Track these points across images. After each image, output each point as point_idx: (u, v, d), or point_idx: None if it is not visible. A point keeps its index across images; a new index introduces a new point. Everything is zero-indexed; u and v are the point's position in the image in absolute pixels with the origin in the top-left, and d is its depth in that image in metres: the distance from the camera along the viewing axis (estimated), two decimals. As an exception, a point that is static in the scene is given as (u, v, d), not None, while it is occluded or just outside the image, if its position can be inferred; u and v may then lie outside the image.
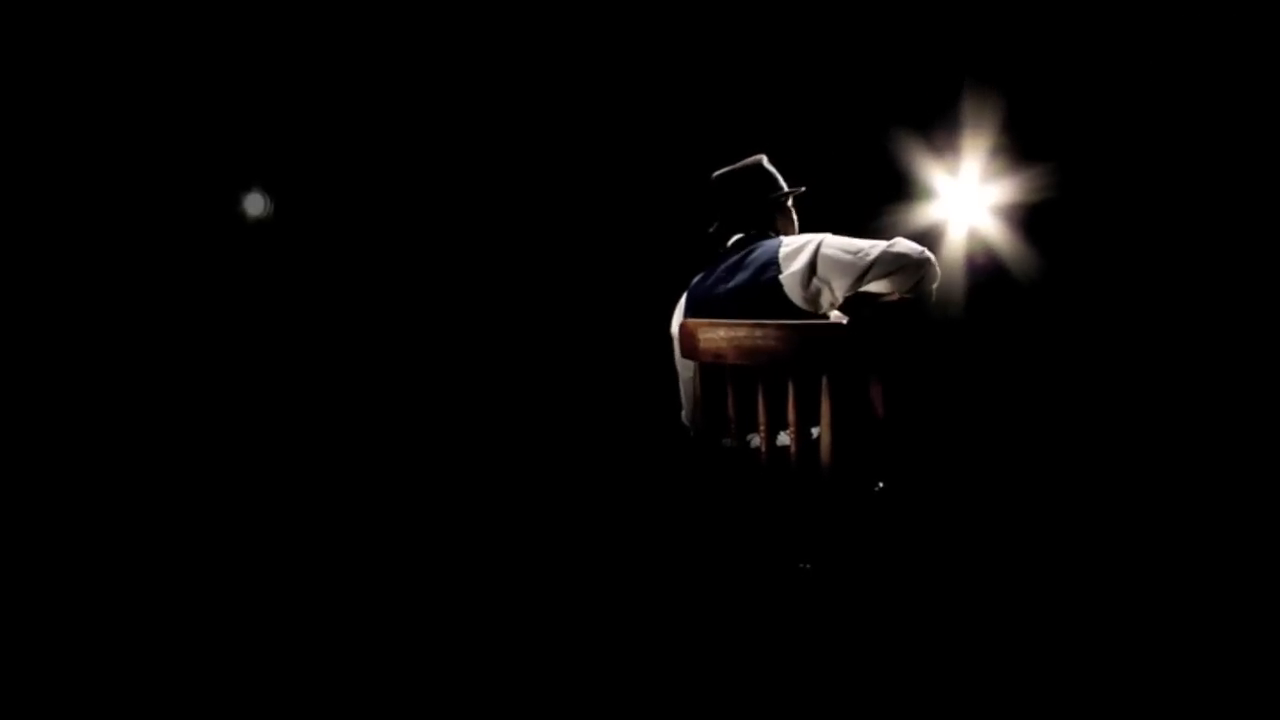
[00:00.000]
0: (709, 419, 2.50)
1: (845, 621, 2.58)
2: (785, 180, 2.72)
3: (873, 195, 3.84)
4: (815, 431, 2.40)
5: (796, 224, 2.73)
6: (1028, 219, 3.77)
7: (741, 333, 2.38)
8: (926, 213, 3.81)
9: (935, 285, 2.47)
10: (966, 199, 3.72)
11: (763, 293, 2.45)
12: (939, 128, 3.83)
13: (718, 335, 2.41)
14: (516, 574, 3.19)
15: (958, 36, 3.83)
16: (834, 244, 2.42)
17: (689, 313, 2.63)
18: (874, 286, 2.41)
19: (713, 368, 2.47)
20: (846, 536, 2.40)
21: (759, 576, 2.56)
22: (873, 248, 2.38)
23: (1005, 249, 3.77)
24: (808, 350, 2.27)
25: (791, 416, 2.34)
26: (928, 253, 2.40)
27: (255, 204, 4.23)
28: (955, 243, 3.86)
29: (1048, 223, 3.75)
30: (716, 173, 2.71)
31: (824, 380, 2.28)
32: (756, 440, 2.46)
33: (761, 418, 2.39)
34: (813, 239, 2.46)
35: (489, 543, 3.42)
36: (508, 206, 4.37)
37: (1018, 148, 3.68)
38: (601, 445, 4.20)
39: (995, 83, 3.73)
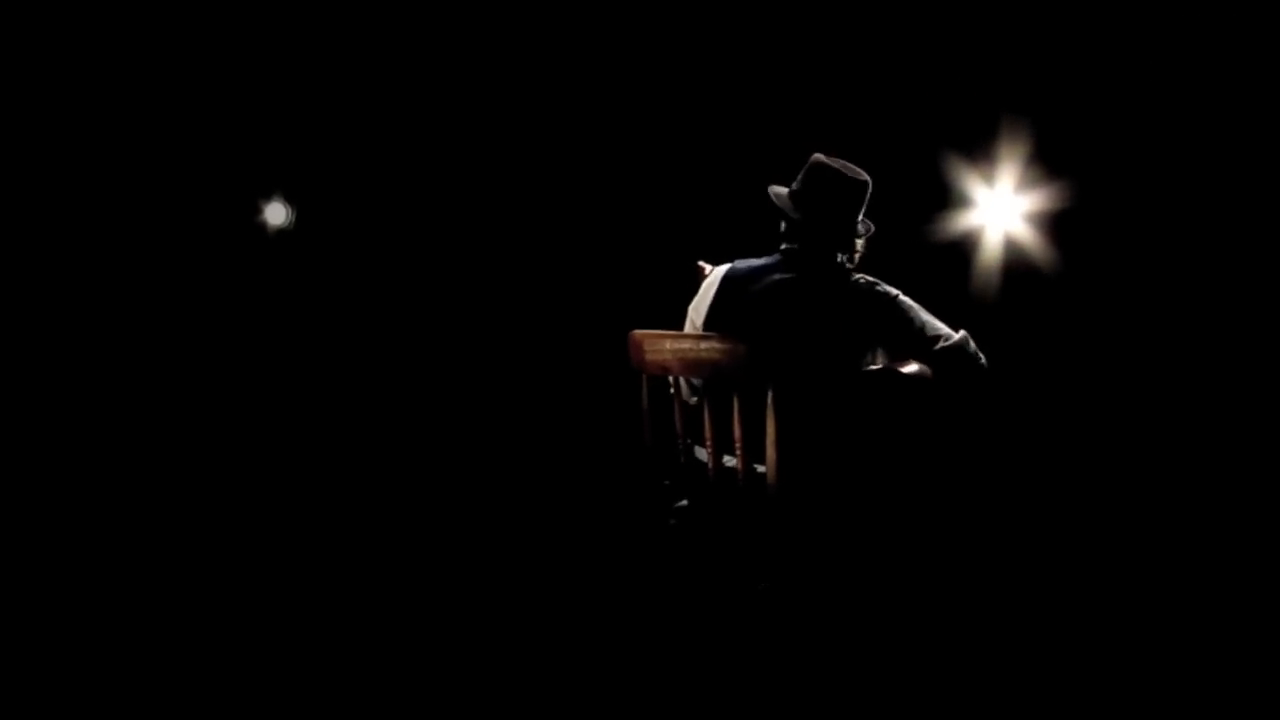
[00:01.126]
0: (655, 435, 2.38)
1: (801, 643, 2.43)
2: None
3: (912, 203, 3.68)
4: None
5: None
6: (1056, 228, 3.61)
7: (686, 345, 2.26)
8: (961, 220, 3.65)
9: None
10: (1001, 207, 3.64)
11: (790, 328, 2.29)
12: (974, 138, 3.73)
13: (664, 347, 2.30)
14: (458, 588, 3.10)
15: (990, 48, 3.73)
16: (909, 308, 2.26)
17: (720, 295, 2.44)
18: (917, 368, 2.24)
19: (662, 381, 2.36)
20: (800, 559, 2.26)
21: (712, 597, 2.43)
22: (958, 337, 2.21)
23: (1035, 256, 3.64)
24: (755, 367, 2.14)
25: (737, 434, 2.22)
26: (983, 358, 2.22)
27: (277, 214, 4.24)
28: (991, 248, 3.71)
29: (1074, 234, 3.61)
30: (822, 160, 2.40)
31: (769, 397, 2.15)
32: (703, 455, 2.34)
33: (708, 434, 2.27)
34: (886, 291, 2.28)
35: (439, 552, 3.34)
36: (501, 208, 4.30)
37: (1047, 159, 3.59)
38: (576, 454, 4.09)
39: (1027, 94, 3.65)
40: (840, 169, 2.38)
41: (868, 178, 2.40)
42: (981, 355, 2.23)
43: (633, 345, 2.35)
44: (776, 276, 2.35)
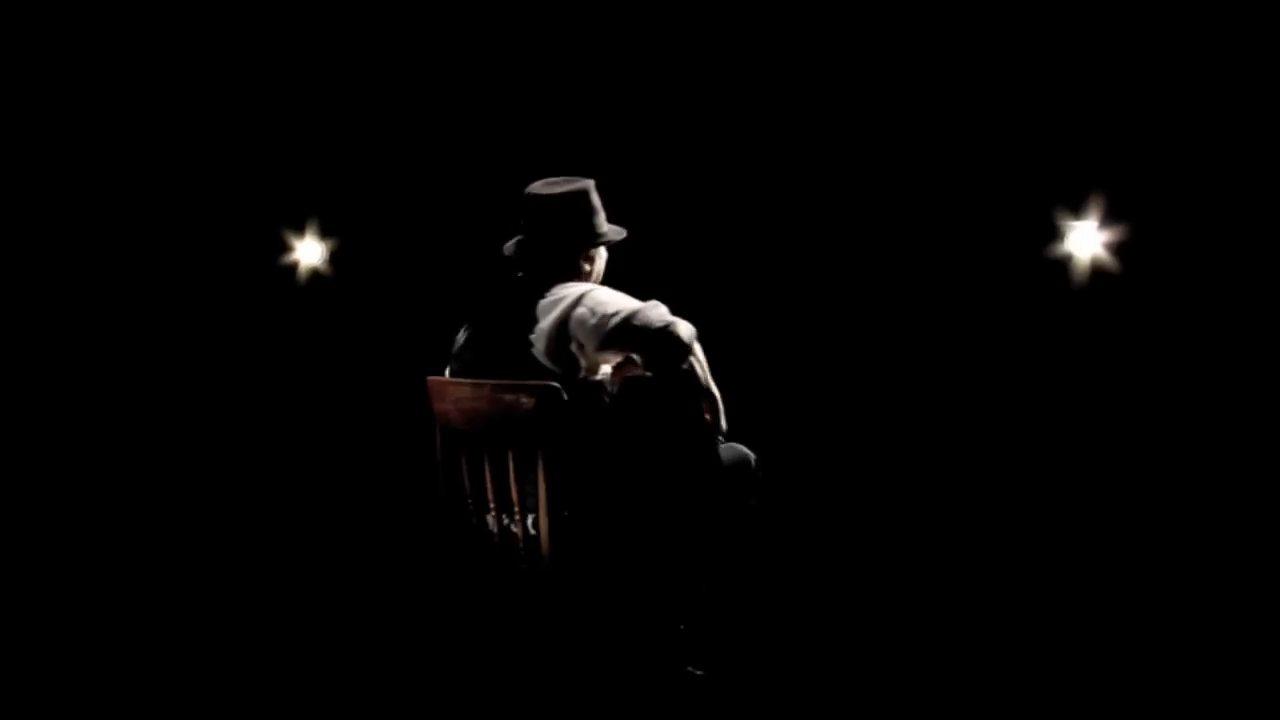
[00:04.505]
0: (449, 495, 2.12)
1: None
2: (607, 217, 2.31)
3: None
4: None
5: (599, 273, 2.32)
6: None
7: (465, 392, 2.01)
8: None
9: (700, 372, 2.05)
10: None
11: (511, 351, 2.07)
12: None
13: (446, 394, 2.05)
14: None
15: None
16: (592, 300, 2.04)
17: (453, 364, 2.26)
18: (621, 358, 2.04)
19: (452, 433, 2.10)
20: (580, 648, 1.96)
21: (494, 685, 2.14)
22: (625, 312, 1.99)
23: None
24: (510, 416, 1.88)
25: (513, 496, 1.95)
26: (676, 329, 1.99)
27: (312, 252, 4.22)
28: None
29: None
30: (532, 186, 2.23)
31: (539, 455, 1.88)
32: (496, 522, 2.07)
33: (489, 496, 2.00)
34: (576, 290, 2.07)
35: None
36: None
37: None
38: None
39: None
40: (550, 188, 2.20)
41: (587, 183, 2.22)
42: (665, 314, 2.01)
43: (430, 392, 2.12)
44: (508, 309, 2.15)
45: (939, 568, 3.23)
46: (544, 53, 4.09)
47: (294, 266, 4.30)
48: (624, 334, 1.96)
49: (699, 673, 2.23)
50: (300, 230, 4.26)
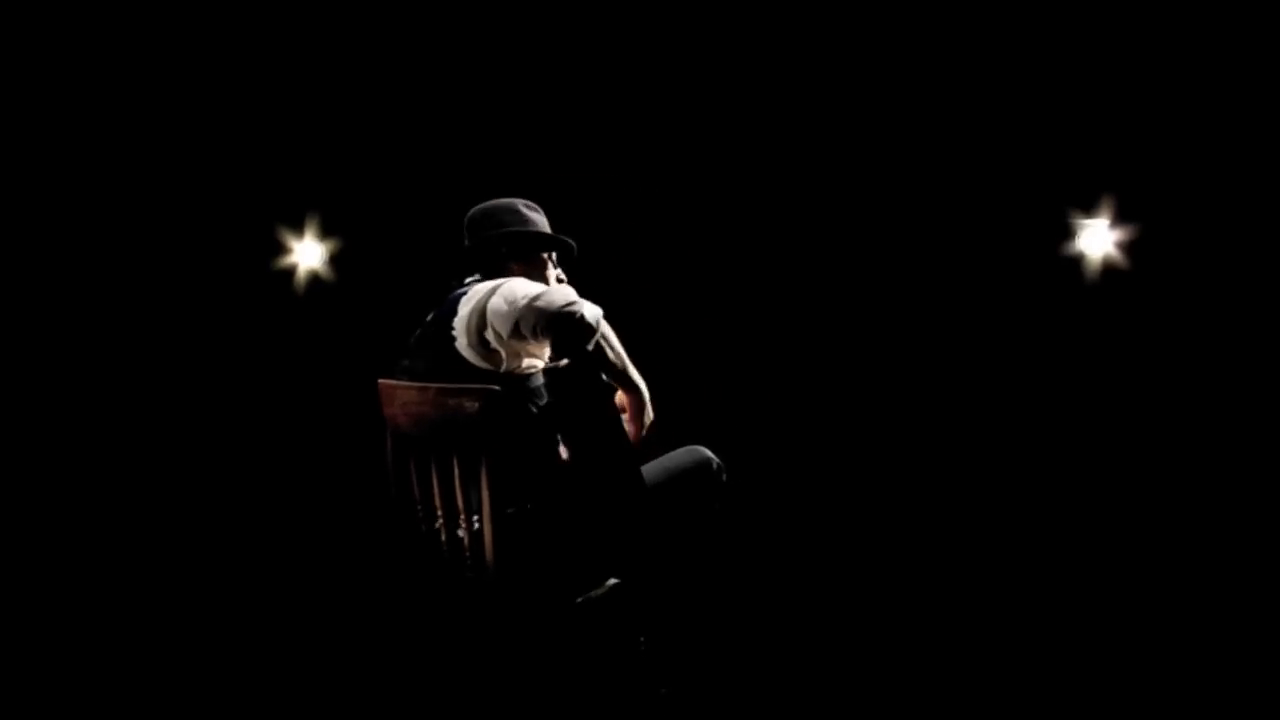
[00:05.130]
0: (400, 500, 2.07)
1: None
2: (554, 231, 2.29)
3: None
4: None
5: (551, 278, 2.27)
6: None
7: (411, 396, 1.96)
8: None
9: (611, 355, 2.00)
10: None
11: (438, 346, 2.03)
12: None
13: (394, 398, 2.00)
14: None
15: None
16: (507, 288, 1.99)
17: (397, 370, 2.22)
18: (538, 346, 1.98)
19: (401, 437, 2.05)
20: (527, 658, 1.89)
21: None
22: (530, 295, 1.95)
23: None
24: (454, 420, 1.82)
25: (459, 502, 1.89)
26: (578, 308, 1.94)
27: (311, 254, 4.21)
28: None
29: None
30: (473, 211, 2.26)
31: (482, 459, 1.82)
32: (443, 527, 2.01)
33: (436, 501, 1.95)
34: (494, 282, 2.03)
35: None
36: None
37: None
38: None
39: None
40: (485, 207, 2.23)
41: (516, 200, 2.26)
42: (568, 295, 1.97)
43: (380, 396, 2.07)
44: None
45: (938, 570, 3.17)
46: (535, 56, 4.08)
47: (292, 269, 4.30)
48: (529, 316, 1.91)
49: (664, 690, 2.17)
50: (298, 231, 4.26)
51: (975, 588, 3.02)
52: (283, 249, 4.27)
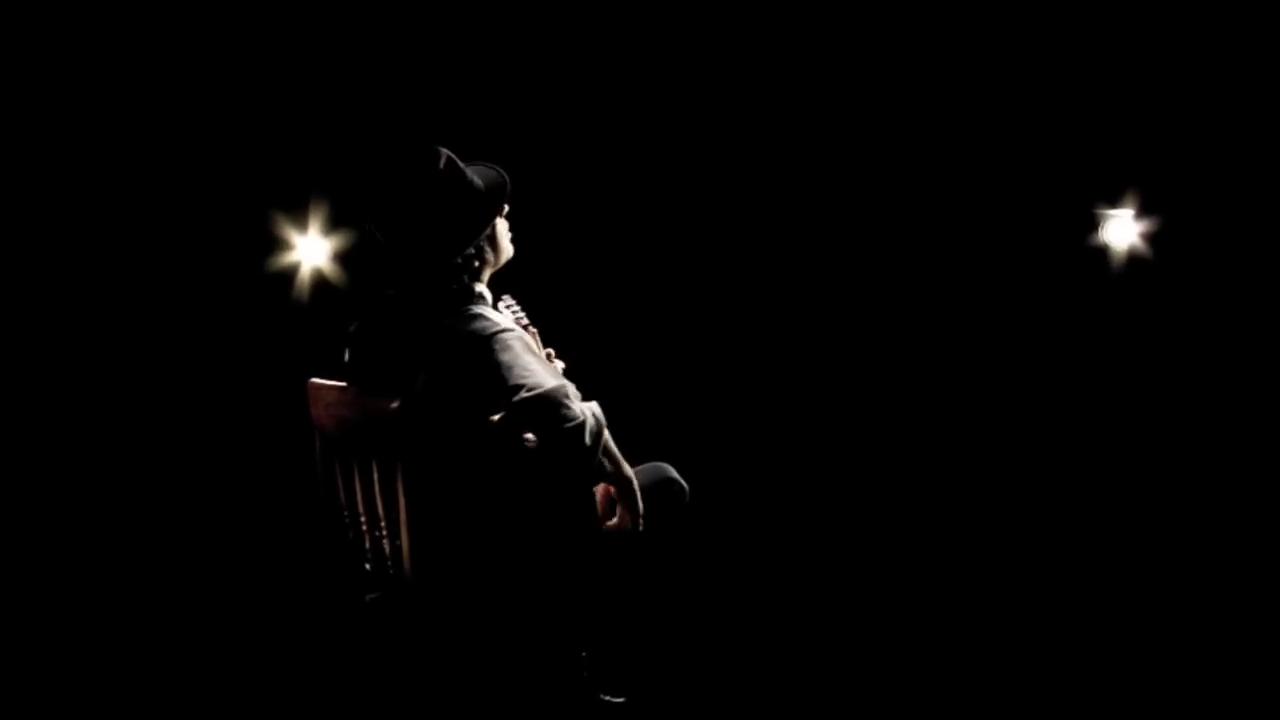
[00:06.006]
0: (327, 508, 1.97)
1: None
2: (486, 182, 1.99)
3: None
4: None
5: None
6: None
7: (334, 397, 1.86)
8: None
9: (611, 464, 1.83)
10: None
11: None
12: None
13: (320, 399, 1.91)
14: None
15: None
16: (503, 345, 1.77)
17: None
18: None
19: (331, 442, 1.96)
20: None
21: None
22: (525, 389, 1.71)
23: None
24: (373, 423, 1.72)
25: (380, 511, 1.79)
26: (582, 430, 1.71)
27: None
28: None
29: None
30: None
31: (398, 467, 1.72)
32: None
33: (360, 509, 1.85)
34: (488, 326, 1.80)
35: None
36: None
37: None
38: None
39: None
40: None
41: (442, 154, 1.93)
42: (575, 411, 1.70)
43: (308, 397, 1.98)
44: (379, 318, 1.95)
45: (939, 571, 3.11)
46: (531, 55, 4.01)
47: (294, 266, 4.26)
48: (530, 410, 1.69)
49: (618, 700, 2.06)
50: (301, 226, 4.23)
51: (975, 588, 2.98)
52: (284, 246, 4.27)
